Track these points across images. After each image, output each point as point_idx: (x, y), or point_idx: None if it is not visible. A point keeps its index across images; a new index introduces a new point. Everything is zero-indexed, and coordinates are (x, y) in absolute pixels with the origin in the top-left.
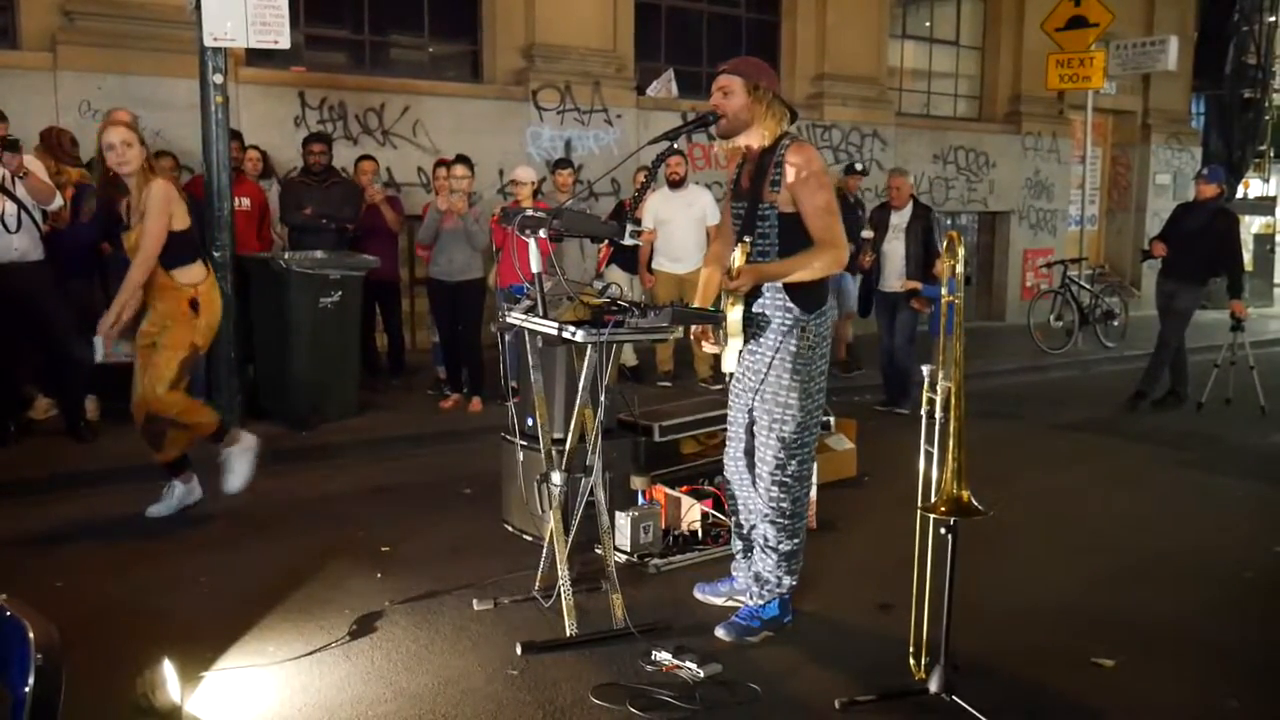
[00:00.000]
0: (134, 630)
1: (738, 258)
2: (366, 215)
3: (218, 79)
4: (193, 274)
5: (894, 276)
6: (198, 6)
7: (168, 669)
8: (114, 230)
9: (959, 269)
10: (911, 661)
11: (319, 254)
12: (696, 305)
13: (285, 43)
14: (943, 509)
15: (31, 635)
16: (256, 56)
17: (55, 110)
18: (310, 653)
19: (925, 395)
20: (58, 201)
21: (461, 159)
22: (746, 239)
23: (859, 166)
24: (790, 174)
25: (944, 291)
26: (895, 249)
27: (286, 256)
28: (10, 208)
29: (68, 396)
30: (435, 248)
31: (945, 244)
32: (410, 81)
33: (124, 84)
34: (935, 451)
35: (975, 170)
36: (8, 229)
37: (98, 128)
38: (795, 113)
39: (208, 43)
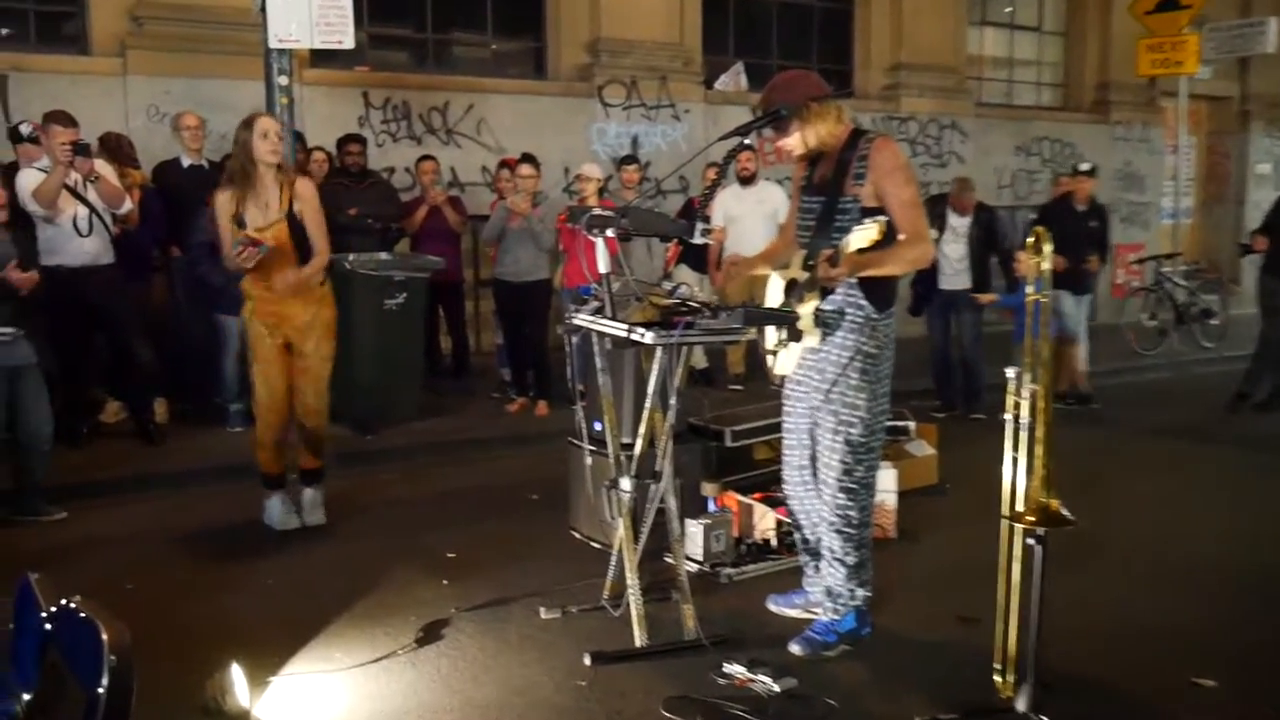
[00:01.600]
0: (203, 633)
1: (857, 241)
2: (429, 217)
3: (283, 81)
4: (320, 278)
5: (952, 276)
6: (263, 8)
7: (236, 673)
8: (180, 234)
9: (1045, 266)
10: (997, 679)
11: (383, 255)
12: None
13: (349, 43)
14: (1030, 518)
15: (105, 636)
16: (321, 57)
17: (124, 115)
18: (377, 660)
19: (1010, 398)
20: (127, 205)
21: (526, 157)
22: (882, 218)
23: (1085, 166)
24: (877, 168)
25: (1030, 290)
26: (955, 249)
27: (351, 259)
28: (82, 211)
29: (137, 399)
30: (500, 248)
31: (1031, 240)
32: (474, 79)
33: (191, 87)
34: (1021, 458)
35: (1060, 162)
36: (80, 233)
37: (243, 120)
38: (850, 93)
39: (272, 44)
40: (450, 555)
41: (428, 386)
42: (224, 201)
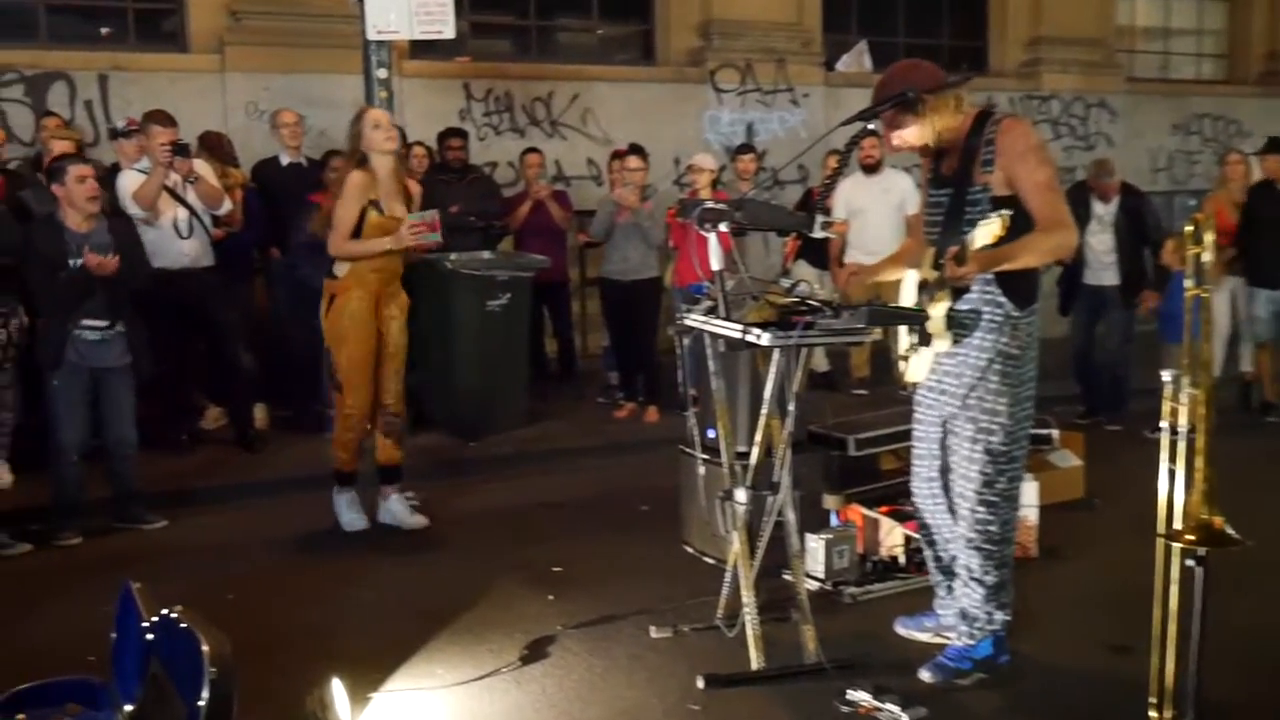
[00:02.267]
0: (303, 645)
1: (981, 237)
2: (533, 213)
3: (381, 74)
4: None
5: (1099, 270)
6: (361, 0)
7: (337, 688)
8: (280, 235)
9: (1206, 257)
10: (1152, 714)
11: (485, 255)
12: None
13: (450, 32)
14: (1190, 537)
15: (205, 648)
16: (420, 48)
17: (223, 113)
18: (479, 678)
19: (1167, 405)
20: (227, 205)
21: (634, 149)
22: (1005, 212)
23: None
24: (1007, 151)
25: (1189, 284)
26: (1101, 240)
27: (453, 258)
28: (182, 213)
29: (237, 405)
30: (608, 245)
31: (1190, 228)
32: (579, 67)
33: (289, 84)
34: (1179, 470)
35: (1225, 141)
36: (180, 235)
37: (356, 113)
38: (969, 75)
39: (371, 36)
40: (556, 569)
41: (532, 391)
42: (360, 182)
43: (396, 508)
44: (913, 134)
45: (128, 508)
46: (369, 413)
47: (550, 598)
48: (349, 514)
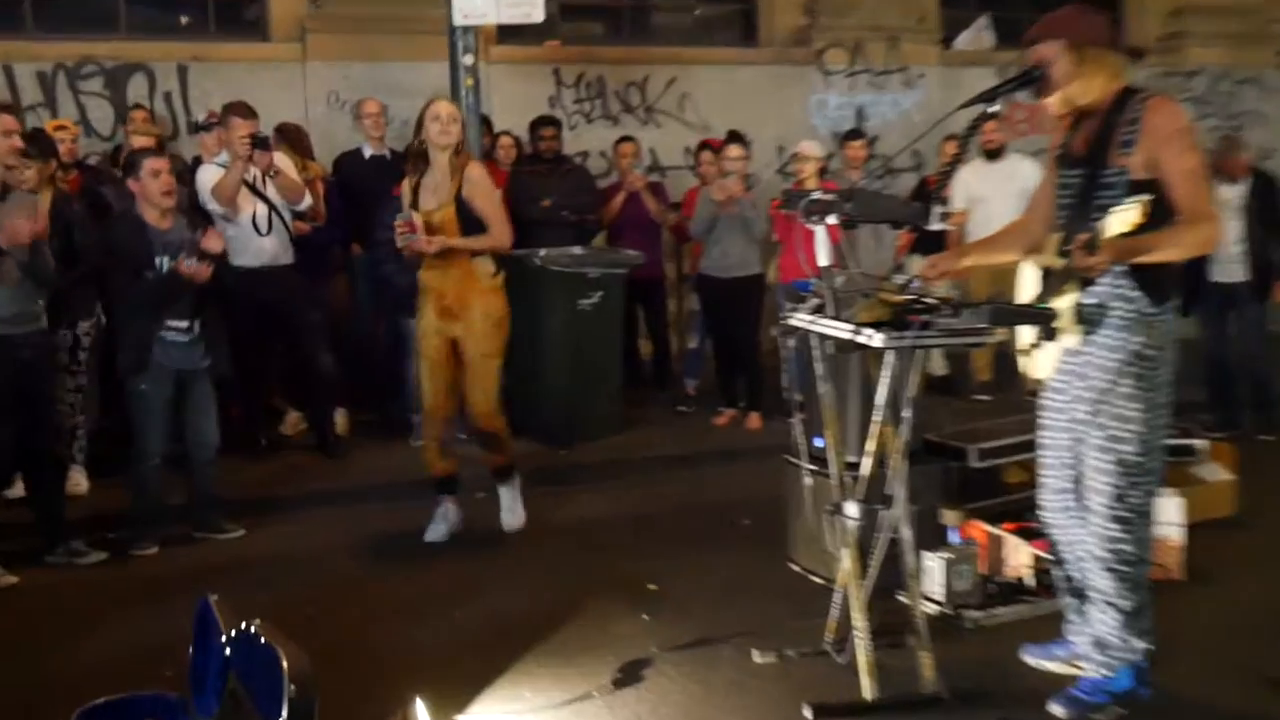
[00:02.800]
0: (386, 663)
1: (1116, 224)
2: (627, 205)
3: (468, 60)
4: (493, 268)
5: (1227, 264)
6: None
7: (420, 710)
8: (362, 231)
9: None
10: None
11: (575, 250)
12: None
13: (539, 16)
14: None
15: (285, 665)
16: (508, 33)
17: (304, 103)
18: (568, 702)
19: None
20: (308, 200)
21: (734, 136)
22: (1146, 197)
23: None
24: (1153, 132)
25: None
26: (1231, 228)
27: (542, 254)
28: (261, 209)
29: (318, 410)
30: (707, 239)
31: None
32: (676, 50)
33: (371, 72)
34: None
35: None
36: (259, 231)
37: (424, 105)
38: (1140, 51)
39: (457, 21)
40: (651, 587)
41: (627, 396)
42: (404, 187)
43: (504, 498)
44: (1058, 97)
45: (206, 516)
46: (444, 419)
47: (645, 617)
48: (433, 524)
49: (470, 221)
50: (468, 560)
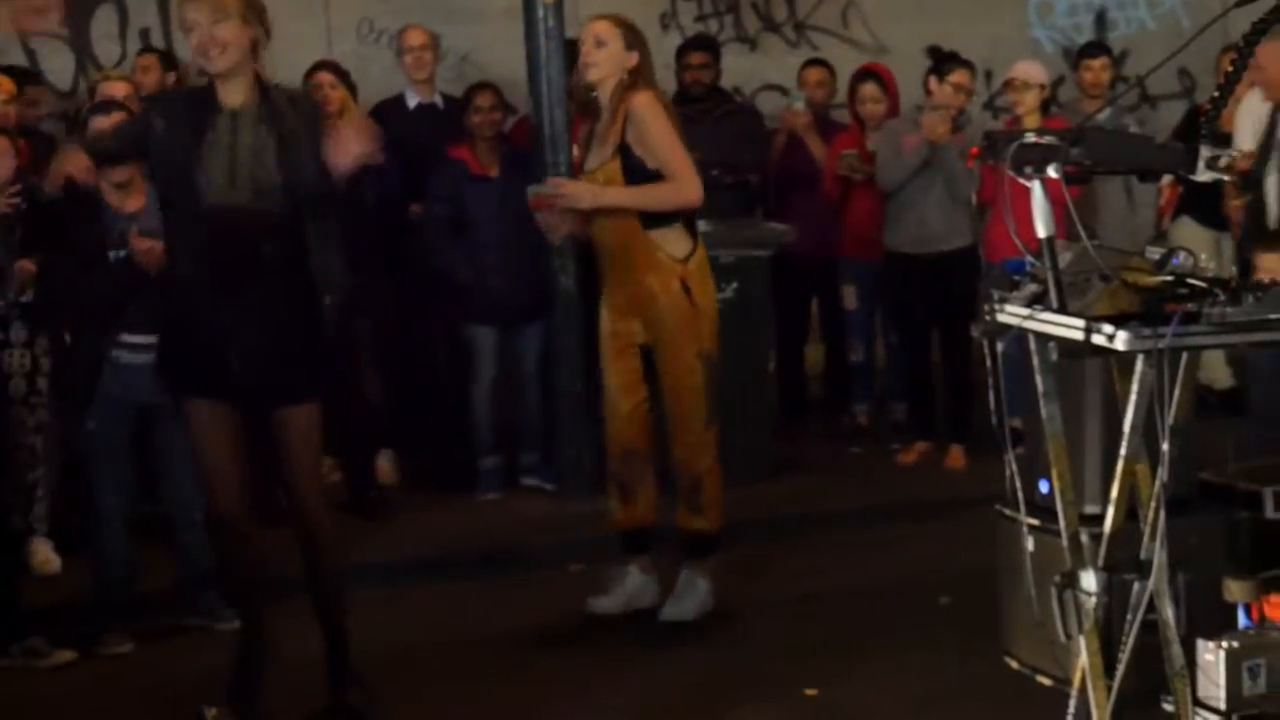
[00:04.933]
0: None
1: None
2: (784, 155)
3: None
4: (678, 242)
5: None
6: None
7: None
8: (406, 205)
9: None
10: None
11: (701, 225)
12: None
13: None
14: None
15: None
16: None
17: (327, 36)
18: None
19: None
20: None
21: (954, 58)
22: None
23: None
24: None
25: None
26: None
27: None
28: None
29: (354, 453)
30: (893, 203)
31: None
32: None
33: None
34: None
35: None
36: None
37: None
38: None
39: None
40: (809, 692)
41: (781, 427)
42: (577, 146)
43: (681, 579)
44: None
45: (198, 596)
46: (631, 451)
47: None
48: (608, 594)
49: (643, 180)
50: (588, 643)
